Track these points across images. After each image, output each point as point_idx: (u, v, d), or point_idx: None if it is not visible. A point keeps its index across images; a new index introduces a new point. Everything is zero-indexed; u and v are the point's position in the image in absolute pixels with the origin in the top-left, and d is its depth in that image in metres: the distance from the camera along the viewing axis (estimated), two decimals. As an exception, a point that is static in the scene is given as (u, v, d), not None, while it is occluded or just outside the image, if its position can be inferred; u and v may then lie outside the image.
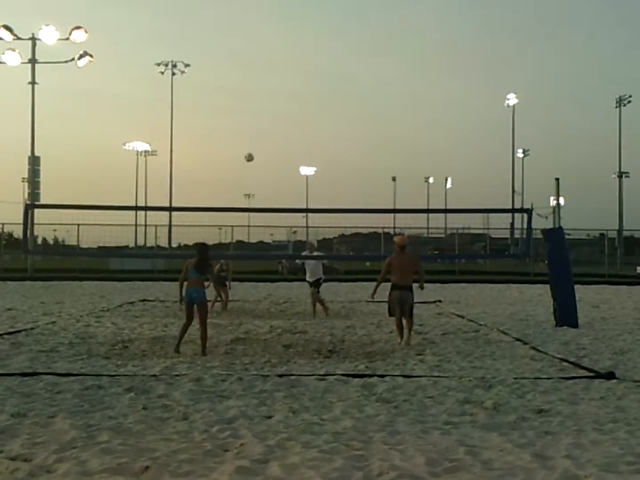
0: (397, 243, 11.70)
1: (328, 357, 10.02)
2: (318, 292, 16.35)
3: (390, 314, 11.63)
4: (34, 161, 40.72)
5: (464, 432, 5.82)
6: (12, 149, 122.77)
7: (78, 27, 37.80)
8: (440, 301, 20.77)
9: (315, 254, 17.78)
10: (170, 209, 41.17)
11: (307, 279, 16.69)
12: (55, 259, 49.38)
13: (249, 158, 18.42)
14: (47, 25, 38.15)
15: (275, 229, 49.19)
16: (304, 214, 45.37)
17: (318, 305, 16.28)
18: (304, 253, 17.93)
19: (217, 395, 7.19)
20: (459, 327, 13.90)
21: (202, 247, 10.79)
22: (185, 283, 10.43)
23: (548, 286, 15.05)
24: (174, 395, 7.13)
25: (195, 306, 10.33)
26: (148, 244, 55.53)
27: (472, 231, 55.14)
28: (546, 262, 15.77)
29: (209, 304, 16.58)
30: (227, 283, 17.55)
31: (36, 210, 25.17)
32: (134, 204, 66.07)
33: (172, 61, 73.71)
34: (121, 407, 6.60)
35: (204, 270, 10.52)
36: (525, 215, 16.05)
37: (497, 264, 48.28)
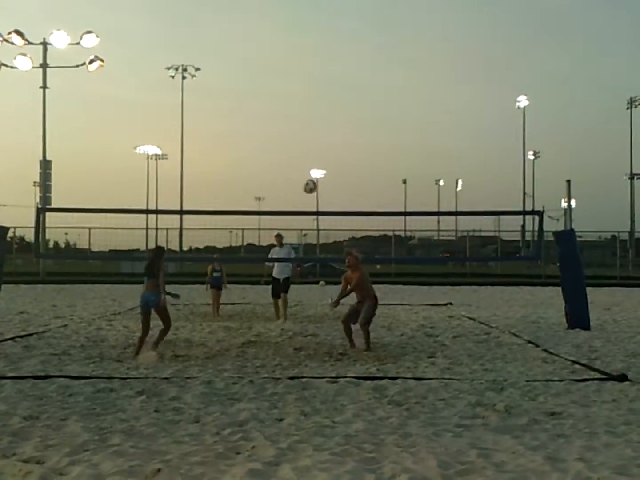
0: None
1: (339, 360, 10.01)
2: (286, 293, 15.51)
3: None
4: (46, 165, 40.99)
5: (475, 435, 5.80)
6: (24, 153, 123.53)
7: (89, 32, 38.04)
8: (451, 304, 20.76)
9: (286, 247, 16.22)
10: (181, 212, 41.38)
11: (275, 275, 15.63)
12: (67, 263, 49.56)
13: (311, 188, 15.40)
14: (58, 30, 38.41)
15: (286, 231, 49.13)
16: (315, 217, 45.44)
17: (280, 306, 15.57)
18: (274, 250, 15.95)
19: (229, 398, 7.20)
20: (470, 329, 13.87)
21: (154, 251, 11.19)
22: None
23: (559, 288, 15.00)
24: (186, 398, 7.14)
25: (152, 310, 10.25)
26: (159, 248, 55.62)
27: (483, 233, 55.37)
28: (557, 264, 15.71)
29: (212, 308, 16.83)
30: (222, 286, 17.10)
31: (47, 214, 25.27)
32: (144, 208, 66.24)
33: (182, 65, 73.80)
34: (133, 410, 6.62)
35: (150, 273, 10.39)
36: (536, 218, 16.01)
37: (508, 266, 48.26)
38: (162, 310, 10.30)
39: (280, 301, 15.63)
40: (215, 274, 17.02)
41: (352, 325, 11.25)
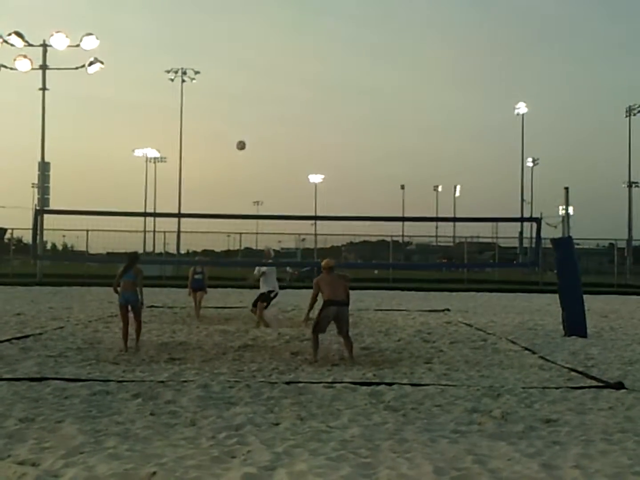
0: (323, 266, 10.68)
1: (336, 365, 10.00)
2: (266, 307, 15.36)
3: (315, 331, 10.39)
4: (44, 167, 40.92)
5: (471, 441, 5.80)
6: (22, 155, 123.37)
7: (89, 34, 38.02)
8: (448, 310, 20.75)
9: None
10: (179, 215, 41.28)
11: (261, 290, 15.35)
12: (64, 265, 49.47)
13: (241, 146, 15.70)
14: (57, 31, 38.37)
15: (284, 236, 49.17)
16: (313, 222, 45.43)
17: (266, 315, 15.43)
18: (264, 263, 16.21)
19: (225, 401, 7.19)
20: (467, 335, 13.86)
21: (131, 255, 11.84)
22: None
23: (557, 296, 15.00)
24: (182, 402, 7.13)
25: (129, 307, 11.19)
26: (157, 250, 55.72)
27: (480, 240, 55.17)
28: (555, 271, 15.72)
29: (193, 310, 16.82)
30: (204, 288, 17.16)
31: (45, 216, 25.27)
32: (143, 210, 66.16)
33: (181, 68, 73.82)
34: (129, 413, 6.61)
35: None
36: (534, 225, 16.01)
37: (505, 273, 48.20)
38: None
39: None
40: (196, 276, 17.14)
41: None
